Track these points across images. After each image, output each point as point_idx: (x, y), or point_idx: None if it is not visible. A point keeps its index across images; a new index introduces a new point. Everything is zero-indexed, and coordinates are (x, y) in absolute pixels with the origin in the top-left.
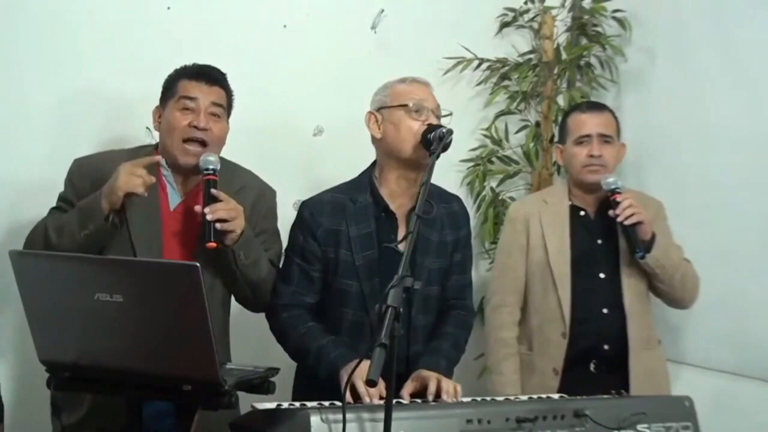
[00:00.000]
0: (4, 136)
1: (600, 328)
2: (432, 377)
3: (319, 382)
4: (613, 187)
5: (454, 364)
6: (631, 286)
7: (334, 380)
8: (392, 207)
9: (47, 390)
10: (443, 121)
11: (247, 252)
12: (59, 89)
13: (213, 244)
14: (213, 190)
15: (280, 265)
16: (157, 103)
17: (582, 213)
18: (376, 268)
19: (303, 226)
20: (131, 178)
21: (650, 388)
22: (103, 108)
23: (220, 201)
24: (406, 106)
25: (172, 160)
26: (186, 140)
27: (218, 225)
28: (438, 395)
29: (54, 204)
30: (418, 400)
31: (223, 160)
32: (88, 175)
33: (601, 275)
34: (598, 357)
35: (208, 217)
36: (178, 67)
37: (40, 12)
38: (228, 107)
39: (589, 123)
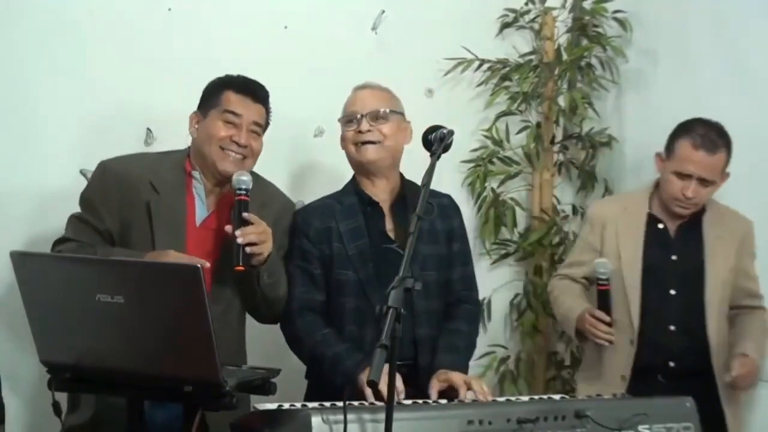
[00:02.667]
0: (9, 143)
1: (665, 344)
2: (461, 382)
3: (331, 389)
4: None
5: (469, 360)
6: (714, 308)
7: (350, 387)
8: (376, 200)
9: (48, 391)
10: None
11: (271, 273)
12: (56, 91)
13: (241, 268)
14: (245, 214)
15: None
16: (158, 103)
17: (660, 225)
18: (369, 256)
19: (296, 229)
20: None
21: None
22: (102, 109)
23: (251, 224)
24: (342, 118)
25: (209, 167)
26: (224, 149)
27: (248, 248)
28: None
29: (56, 209)
30: (419, 401)
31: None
32: (114, 179)
33: (672, 292)
34: (664, 372)
35: (239, 240)
36: (222, 75)
37: (39, 13)
38: (266, 125)
39: (696, 164)
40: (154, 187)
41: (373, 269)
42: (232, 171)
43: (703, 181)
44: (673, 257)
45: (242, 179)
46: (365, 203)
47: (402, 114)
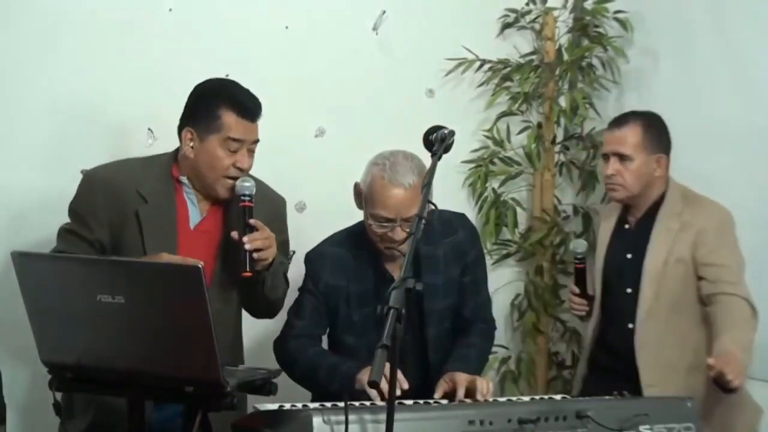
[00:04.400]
0: (3, 140)
1: (624, 343)
2: (462, 380)
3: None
4: None
5: (480, 371)
6: (646, 301)
7: (349, 389)
8: (388, 268)
9: (49, 391)
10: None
11: (273, 277)
12: (57, 91)
13: (249, 274)
14: (251, 220)
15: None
16: (158, 103)
17: (627, 225)
18: (372, 326)
19: (309, 275)
20: None
21: None
22: (103, 110)
23: (257, 230)
24: (369, 210)
25: (206, 189)
26: (228, 177)
27: (255, 254)
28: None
29: (57, 211)
30: (421, 401)
31: None
32: (101, 189)
33: (628, 290)
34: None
35: (247, 247)
36: (214, 86)
37: (40, 12)
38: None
39: (607, 141)
40: (142, 196)
41: (374, 337)
42: (230, 195)
43: (621, 157)
44: (629, 255)
45: (245, 185)
46: (377, 269)
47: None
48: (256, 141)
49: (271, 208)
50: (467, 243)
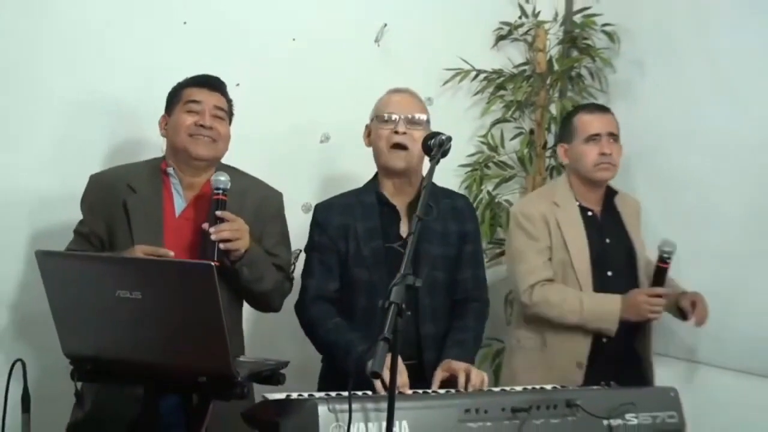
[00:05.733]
0: (18, 142)
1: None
2: (461, 369)
3: (344, 372)
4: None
5: (475, 353)
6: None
7: (362, 373)
8: (393, 202)
9: (72, 382)
10: (422, 118)
11: (251, 269)
12: (74, 101)
13: (215, 264)
14: (218, 212)
15: (302, 264)
16: None
17: (590, 213)
18: (382, 259)
19: (316, 225)
20: None
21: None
22: (118, 120)
23: (226, 221)
24: (377, 117)
25: (183, 158)
26: (193, 135)
27: (222, 245)
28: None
29: (74, 211)
30: (420, 391)
31: (223, 165)
32: (101, 192)
33: (609, 273)
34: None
35: (212, 237)
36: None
37: (58, 22)
38: (229, 114)
39: (598, 122)
40: (131, 188)
41: (386, 271)
42: (205, 154)
43: (612, 136)
44: (607, 240)
45: (219, 179)
46: (383, 204)
47: (429, 122)
48: (221, 108)
49: (262, 199)
50: (466, 213)
